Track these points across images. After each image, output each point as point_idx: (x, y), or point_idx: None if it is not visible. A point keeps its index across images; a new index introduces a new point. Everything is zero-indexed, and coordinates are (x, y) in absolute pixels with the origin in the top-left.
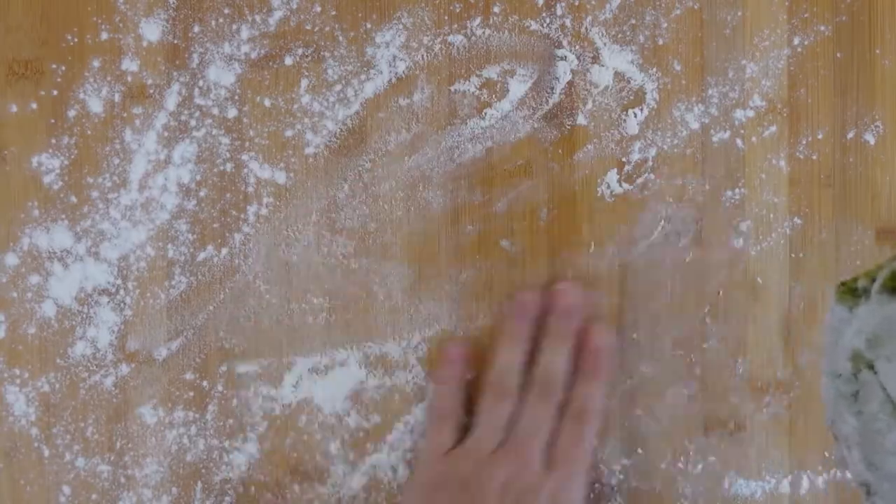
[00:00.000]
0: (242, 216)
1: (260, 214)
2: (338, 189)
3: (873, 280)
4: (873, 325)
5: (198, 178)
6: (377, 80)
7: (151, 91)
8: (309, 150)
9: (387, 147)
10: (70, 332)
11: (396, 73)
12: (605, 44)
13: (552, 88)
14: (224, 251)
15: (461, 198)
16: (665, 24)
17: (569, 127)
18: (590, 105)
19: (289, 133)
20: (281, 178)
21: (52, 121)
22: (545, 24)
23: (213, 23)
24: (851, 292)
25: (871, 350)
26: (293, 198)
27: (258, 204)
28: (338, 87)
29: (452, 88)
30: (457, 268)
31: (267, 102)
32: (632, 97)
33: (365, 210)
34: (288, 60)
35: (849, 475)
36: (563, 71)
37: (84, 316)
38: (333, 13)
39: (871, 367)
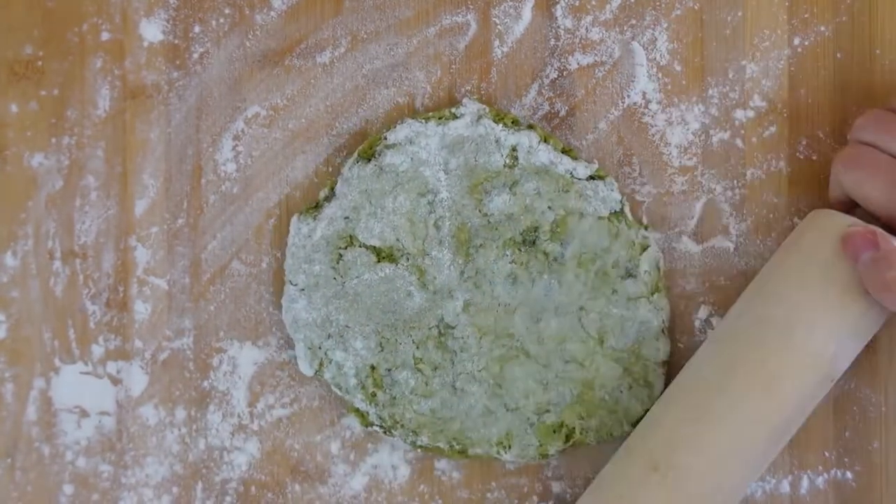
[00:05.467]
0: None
1: None
2: None
3: (332, 188)
4: (349, 203)
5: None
6: None
7: (151, 91)
8: None
9: None
10: (70, 331)
11: None
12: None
13: None
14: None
15: None
16: (665, 24)
17: None
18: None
19: None
20: None
21: (53, 121)
22: None
23: (214, 23)
24: (312, 209)
25: (350, 224)
26: None
27: None
28: None
29: None
30: None
31: None
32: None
33: None
34: None
35: (849, 474)
36: None
37: (85, 315)
38: None
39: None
